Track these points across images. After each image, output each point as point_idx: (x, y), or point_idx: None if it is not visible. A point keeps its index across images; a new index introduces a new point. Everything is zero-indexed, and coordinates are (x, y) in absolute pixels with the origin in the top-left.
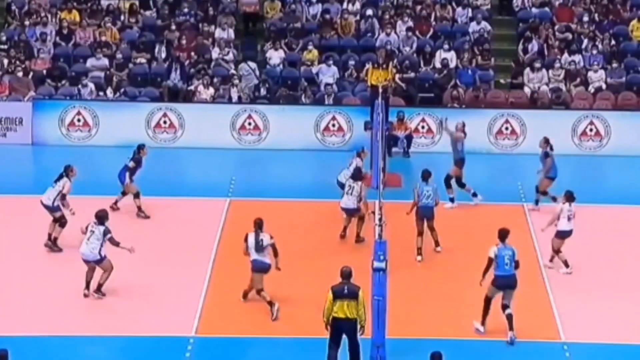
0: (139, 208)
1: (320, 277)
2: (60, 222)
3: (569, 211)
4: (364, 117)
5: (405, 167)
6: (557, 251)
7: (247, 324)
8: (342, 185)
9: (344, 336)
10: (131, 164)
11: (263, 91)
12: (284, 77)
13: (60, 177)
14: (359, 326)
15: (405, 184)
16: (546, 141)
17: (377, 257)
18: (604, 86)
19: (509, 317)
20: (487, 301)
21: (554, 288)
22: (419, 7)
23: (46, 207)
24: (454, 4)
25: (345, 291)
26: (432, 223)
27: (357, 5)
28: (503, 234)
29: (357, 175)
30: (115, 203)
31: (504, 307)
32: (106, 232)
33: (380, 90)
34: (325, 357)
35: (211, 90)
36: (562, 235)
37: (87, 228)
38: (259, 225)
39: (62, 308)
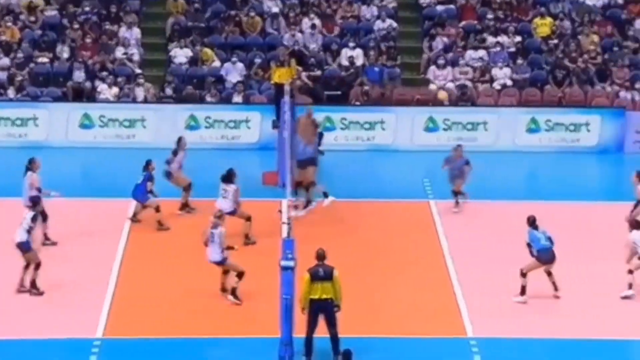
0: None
1: None
2: (43, 216)
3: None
4: (271, 115)
5: None
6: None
7: (155, 324)
8: None
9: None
10: (148, 185)
11: (169, 91)
12: (189, 75)
13: (26, 172)
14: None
15: None
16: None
17: (285, 255)
18: (509, 83)
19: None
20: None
21: (462, 284)
22: (324, 5)
23: (28, 207)
24: (359, 2)
25: (321, 272)
26: None
27: (267, 5)
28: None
29: (228, 177)
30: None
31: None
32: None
33: (287, 88)
34: (304, 340)
35: (115, 89)
36: None
37: None
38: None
39: None
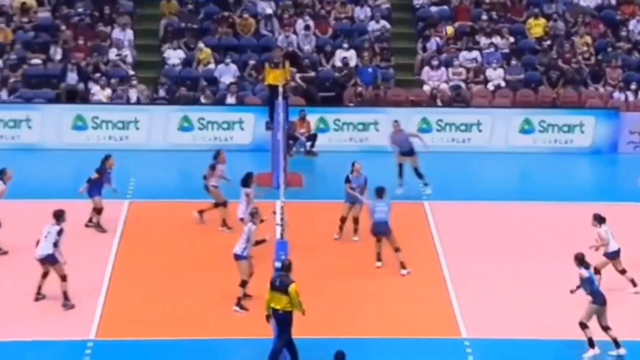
0: (98, 223)
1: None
2: None
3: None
4: (265, 116)
5: (306, 166)
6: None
7: (148, 326)
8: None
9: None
10: (94, 176)
11: (162, 92)
12: (182, 77)
13: None
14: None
15: (307, 184)
16: None
17: (278, 257)
18: (502, 84)
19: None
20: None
21: (455, 285)
22: (318, 6)
23: None
24: (353, 3)
25: (276, 283)
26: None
27: (260, 6)
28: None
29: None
30: (90, 220)
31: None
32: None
33: (280, 89)
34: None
35: (108, 91)
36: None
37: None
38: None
39: None
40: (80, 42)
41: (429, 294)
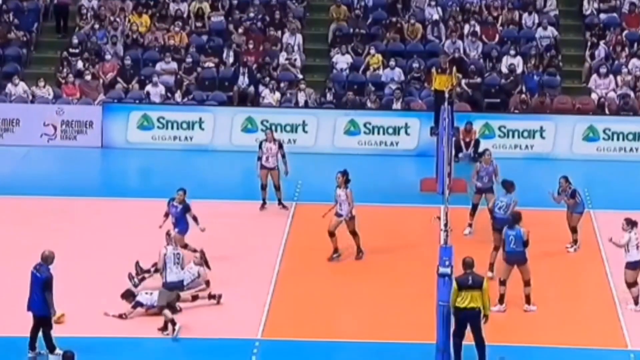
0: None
1: (391, 281)
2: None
3: (637, 239)
4: (430, 122)
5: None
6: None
7: (313, 327)
8: None
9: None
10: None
11: (329, 96)
12: (350, 81)
13: None
14: (482, 315)
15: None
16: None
17: (442, 262)
18: None
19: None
20: None
21: (621, 296)
22: (485, 12)
23: None
24: (520, 10)
25: (469, 281)
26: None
27: (428, 12)
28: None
29: None
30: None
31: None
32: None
33: (446, 95)
34: (452, 347)
35: (277, 94)
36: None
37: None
38: None
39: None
40: (252, 46)
41: (594, 303)
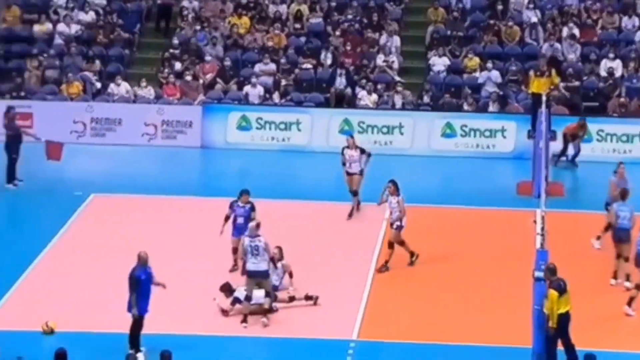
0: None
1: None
2: None
3: None
4: (527, 125)
5: (568, 176)
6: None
7: (408, 328)
8: None
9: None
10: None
11: (426, 98)
12: (447, 84)
13: None
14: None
15: (568, 193)
16: None
17: (538, 266)
18: None
19: None
20: None
21: None
22: (584, 15)
23: None
24: (620, 13)
25: (563, 285)
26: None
27: (526, 14)
28: None
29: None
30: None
31: None
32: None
33: (544, 98)
34: (550, 352)
35: (374, 96)
36: None
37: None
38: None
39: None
40: (349, 47)
41: None
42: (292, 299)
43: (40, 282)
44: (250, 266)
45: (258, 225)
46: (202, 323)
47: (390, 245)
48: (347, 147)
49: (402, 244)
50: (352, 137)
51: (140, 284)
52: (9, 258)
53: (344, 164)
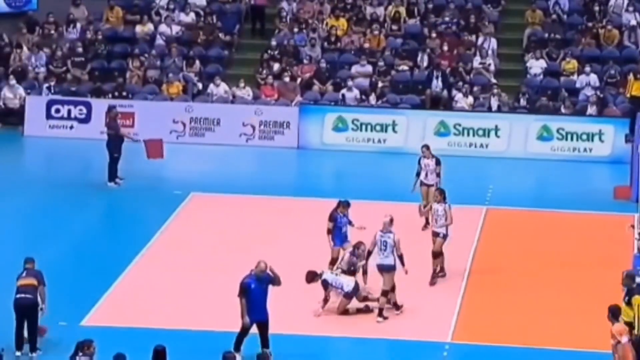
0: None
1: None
2: None
3: None
4: (625, 129)
5: None
6: None
7: (503, 331)
8: None
9: None
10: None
11: (523, 101)
12: (544, 86)
13: None
14: None
15: None
16: None
17: (636, 271)
18: None
19: None
20: None
21: None
22: None
23: None
24: None
25: None
26: None
27: (625, 17)
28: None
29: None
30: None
31: None
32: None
33: None
34: None
35: (470, 98)
36: None
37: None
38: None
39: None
40: (446, 49)
41: None
42: (365, 298)
43: (140, 279)
44: (377, 260)
45: (391, 221)
46: (299, 323)
47: (436, 255)
48: (424, 156)
49: (439, 255)
50: (427, 147)
51: (249, 293)
52: (110, 255)
53: (418, 174)
